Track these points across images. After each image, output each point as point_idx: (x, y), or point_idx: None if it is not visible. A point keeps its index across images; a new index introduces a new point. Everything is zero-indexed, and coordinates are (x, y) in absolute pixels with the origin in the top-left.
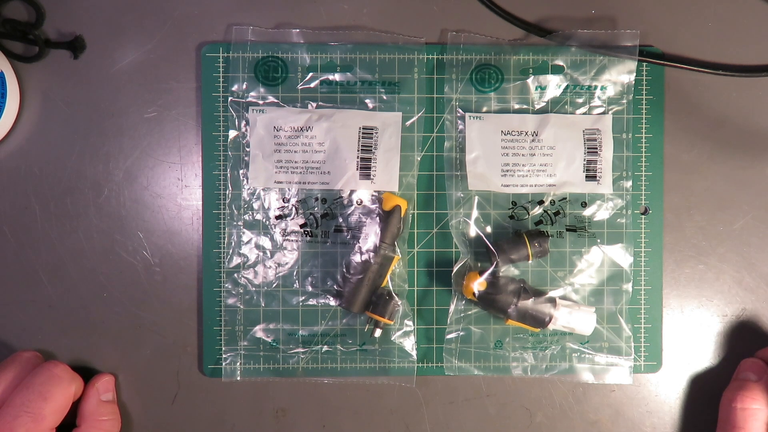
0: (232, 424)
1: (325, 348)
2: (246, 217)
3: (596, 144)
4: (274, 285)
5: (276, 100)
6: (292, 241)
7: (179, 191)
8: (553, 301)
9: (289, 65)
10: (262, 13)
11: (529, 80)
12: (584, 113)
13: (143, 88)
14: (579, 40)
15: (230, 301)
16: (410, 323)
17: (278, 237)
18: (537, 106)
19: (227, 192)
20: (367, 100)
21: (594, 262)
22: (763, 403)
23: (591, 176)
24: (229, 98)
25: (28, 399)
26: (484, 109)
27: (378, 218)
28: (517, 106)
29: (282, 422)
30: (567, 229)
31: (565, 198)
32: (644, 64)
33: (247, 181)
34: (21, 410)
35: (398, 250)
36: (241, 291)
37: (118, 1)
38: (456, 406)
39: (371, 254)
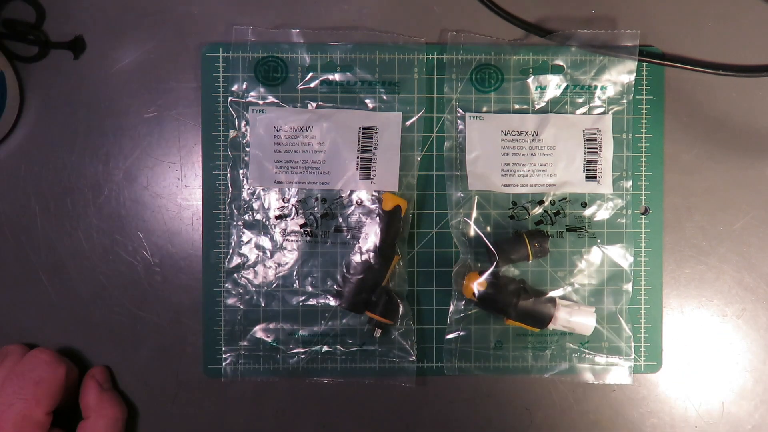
0: (232, 424)
1: (325, 348)
2: (246, 217)
3: (596, 144)
4: (274, 285)
5: (276, 100)
6: (292, 241)
7: (179, 191)
8: (553, 301)
9: (289, 65)
10: (262, 13)
11: (529, 80)
12: (584, 113)
13: (143, 88)
14: (579, 40)
15: (230, 301)
16: (410, 323)
17: (278, 237)
18: (537, 106)
19: (227, 192)
20: (367, 100)
21: (594, 262)
22: None
23: (591, 176)
24: (229, 98)
25: (19, 386)
26: (484, 109)
27: (378, 218)
28: (517, 106)
29: (282, 422)
30: (567, 229)
31: (565, 198)
32: (644, 64)
33: (247, 181)
34: (14, 398)
35: (398, 250)
36: (241, 291)
37: (118, 1)
38: (456, 406)
39: (371, 254)
